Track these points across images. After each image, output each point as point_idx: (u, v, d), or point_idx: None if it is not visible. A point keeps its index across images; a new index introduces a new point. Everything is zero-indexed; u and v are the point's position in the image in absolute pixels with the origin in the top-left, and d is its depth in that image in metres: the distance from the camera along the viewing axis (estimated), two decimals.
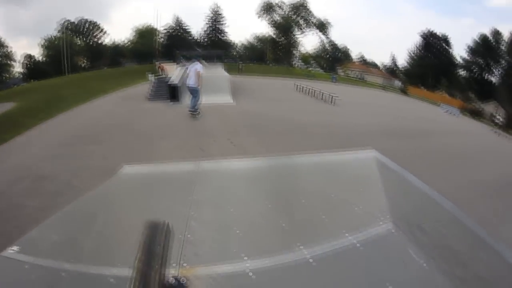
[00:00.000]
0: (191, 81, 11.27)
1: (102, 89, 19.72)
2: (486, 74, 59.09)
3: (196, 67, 11.12)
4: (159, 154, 7.89)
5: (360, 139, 10.34)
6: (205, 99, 12.99)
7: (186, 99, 13.64)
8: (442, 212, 3.05)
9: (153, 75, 19.52)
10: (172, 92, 14.56)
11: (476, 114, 45.79)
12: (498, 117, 49.08)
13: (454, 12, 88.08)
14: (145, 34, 63.55)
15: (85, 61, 59.09)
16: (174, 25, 66.97)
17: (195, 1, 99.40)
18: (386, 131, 13.01)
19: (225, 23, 68.01)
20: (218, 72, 18.76)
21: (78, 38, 58.03)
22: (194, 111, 11.88)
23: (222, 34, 69.10)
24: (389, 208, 2.40)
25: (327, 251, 1.79)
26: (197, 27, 79.32)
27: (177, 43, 57.28)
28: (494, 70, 57.91)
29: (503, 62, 55.63)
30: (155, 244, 1.11)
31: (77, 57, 56.53)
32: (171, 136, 9.69)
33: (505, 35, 54.91)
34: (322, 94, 18.41)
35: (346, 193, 2.73)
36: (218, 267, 1.62)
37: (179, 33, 67.14)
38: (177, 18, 66.43)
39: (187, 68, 13.06)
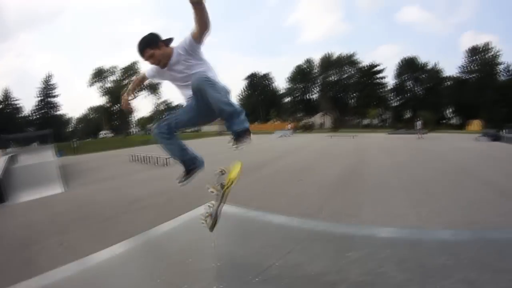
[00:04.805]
0: None
1: None
2: (308, 94, 73.96)
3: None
4: None
5: (194, 197, 10.15)
6: (28, 194, 11.55)
7: (18, 195, 11.84)
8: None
9: None
10: None
11: (307, 128, 54.19)
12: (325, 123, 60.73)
13: (274, 53, 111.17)
14: None
15: None
16: (2, 99, 55.70)
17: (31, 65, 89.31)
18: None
19: (58, 95, 60.90)
20: (44, 157, 16.54)
21: None
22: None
23: (55, 109, 61.55)
24: None
25: None
26: (31, 99, 67.34)
27: (4, 123, 47.70)
28: (313, 89, 73.05)
29: (318, 81, 71.05)
30: None
31: None
32: None
33: (316, 61, 71.27)
34: (157, 159, 18.75)
35: None
36: None
37: (7, 110, 55.55)
38: (6, 90, 55.70)
39: None
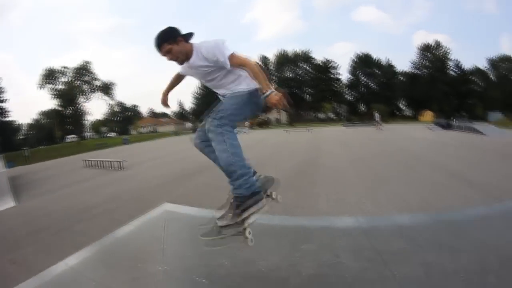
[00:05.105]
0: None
1: None
2: None
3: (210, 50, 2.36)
4: None
5: (147, 199, 9.87)
6: None
7: None
8: None
9: None
10: None
11: (263, 124, 54.82)
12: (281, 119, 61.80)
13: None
14: None
15: None
16: None
17: None
18: (177, 178, 13.07)
19: (7, 99, 53.66)
20: None
21: None
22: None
23: (4, 115, 54.57)
24: None
25: None
26: None
27: None
28: None
29: (273, 77, 70.97)
30: None
31: None
32: None
33: (271, 59, 71.85)
34: (111, 163, 18.24)
35: None
36: None
37: None
38: None
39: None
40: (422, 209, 6.46)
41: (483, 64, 61.36)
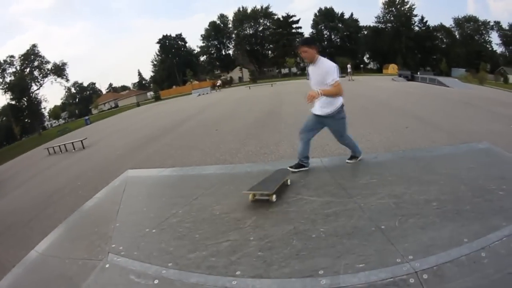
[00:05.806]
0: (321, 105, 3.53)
1: None
2: (224, 50, 72.04)
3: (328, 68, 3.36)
4: None
5: (111, 171, 9.71)
6: None
7: None
8: None
9: None
10: None
11: (227, 84, 54.17)
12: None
13: (186, 12, 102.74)
14: None
15: None
16: None
17: None
18: (140, 145, 13.04)
19: None
20: None
21: None
22: None
23: None
24: None
25: None
26: None
27: None
28: (229, 45, 71.36)
29: (233, 35, 69.24)
30: None
31: None
32: None
33: (230, 16, 68.77)
34: (73, 144, 18.20)
35: None
36: None
37: None
38: None
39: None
40: (388, 148, 6.65)
41: (449, 23, 61.39)
